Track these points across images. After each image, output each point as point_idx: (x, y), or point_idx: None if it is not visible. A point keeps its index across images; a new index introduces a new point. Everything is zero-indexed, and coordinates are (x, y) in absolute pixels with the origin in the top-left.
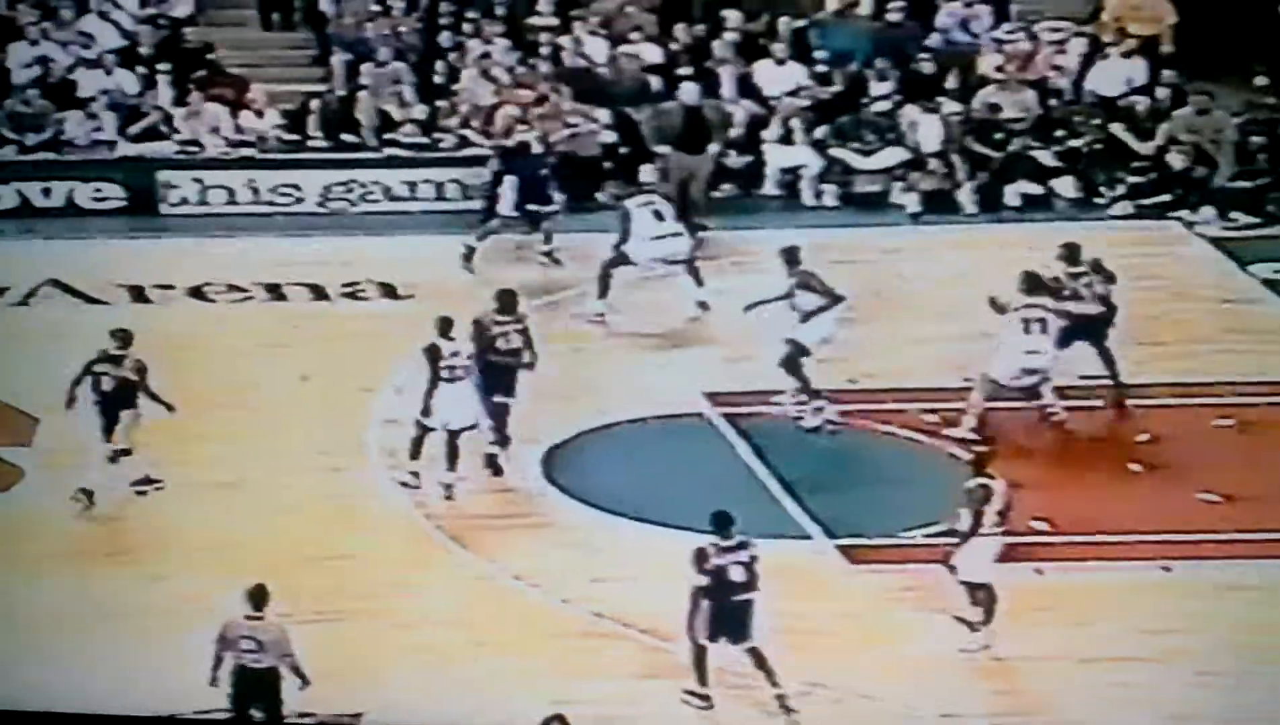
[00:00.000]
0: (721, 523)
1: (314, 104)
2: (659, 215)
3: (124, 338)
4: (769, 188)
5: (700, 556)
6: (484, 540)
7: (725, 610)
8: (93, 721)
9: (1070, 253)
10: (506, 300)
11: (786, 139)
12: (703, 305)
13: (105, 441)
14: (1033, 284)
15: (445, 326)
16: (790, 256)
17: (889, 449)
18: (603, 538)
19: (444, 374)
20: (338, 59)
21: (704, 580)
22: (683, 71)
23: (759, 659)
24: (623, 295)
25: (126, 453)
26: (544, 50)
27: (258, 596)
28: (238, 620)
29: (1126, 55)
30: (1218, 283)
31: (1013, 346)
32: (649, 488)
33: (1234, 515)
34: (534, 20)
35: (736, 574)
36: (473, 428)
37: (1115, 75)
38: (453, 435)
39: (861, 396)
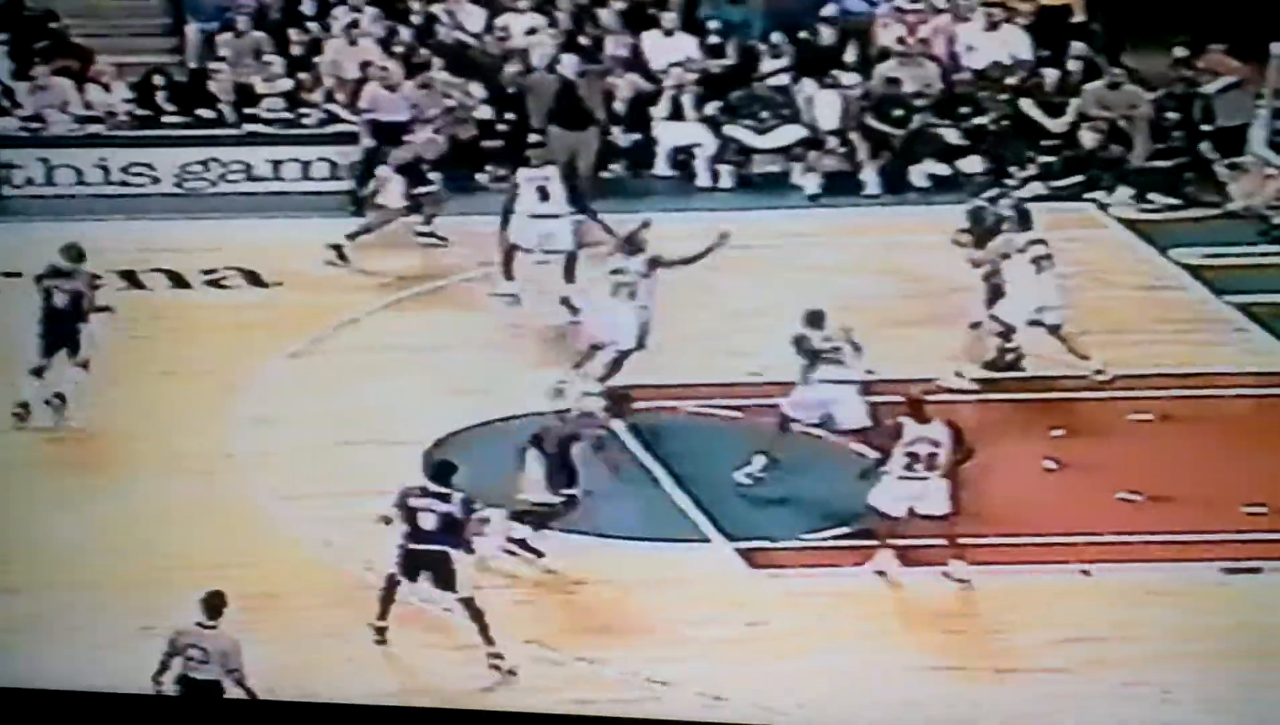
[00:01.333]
0: (438, 472)
1: (157, 78)
2: (544, 193)
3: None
4: (661, 168)
5: (401, 495)
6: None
7: (416, 554)
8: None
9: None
10: None
11: (677, 115)
12: (569, 306)
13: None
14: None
15: None
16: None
17: (792, 446)
18: None
19: None
20: (192, 28)
21: (394, 513)
22: (561, 41)
23: (474, 612)
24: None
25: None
26: (415, 19)
27: (213, 604)
28: (189, 628)
29: (1032, 25)
30: (1135, 269)
31: (1022, 288)
32: None
33: (1156, 515)
34: None
35: (427, 522)
36: None
37: (1021, 47)
38: None
39: (764, 390)
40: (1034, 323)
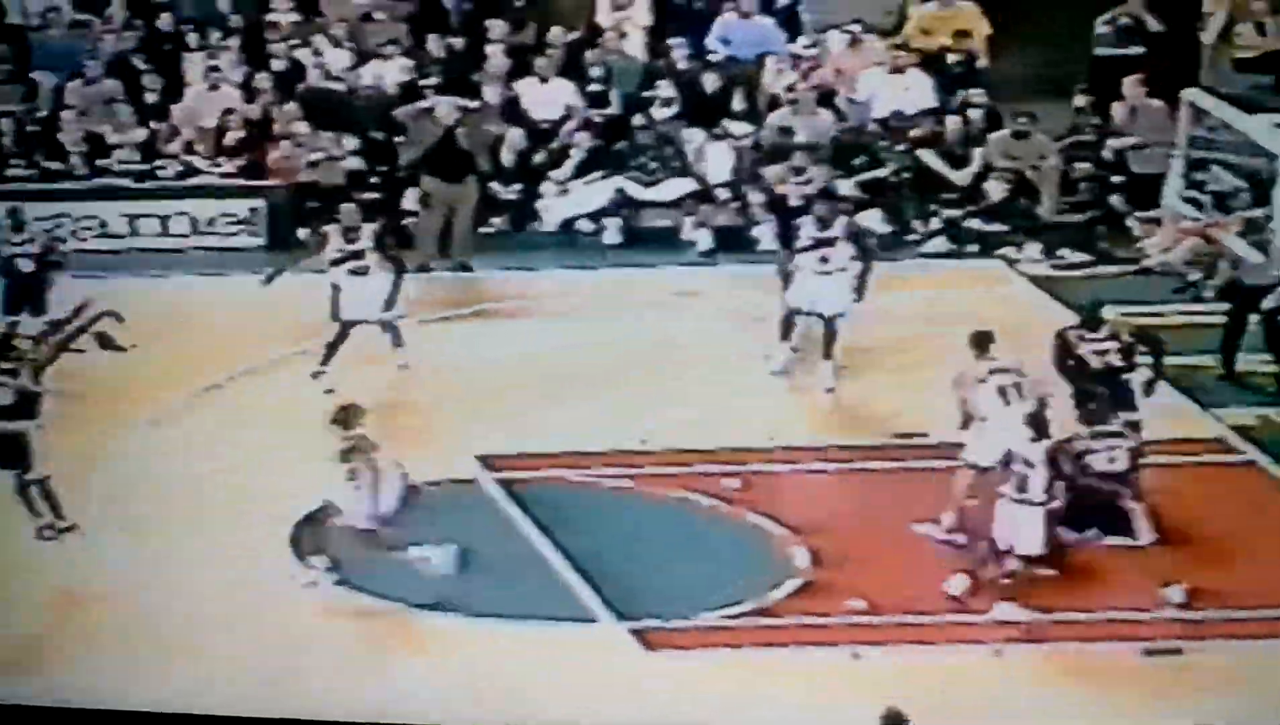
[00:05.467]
0: None
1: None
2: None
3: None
4: (546, 222)
5: None
6: None
7: None
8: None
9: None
10: None
11: (560, 165)
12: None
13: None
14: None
15: None
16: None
17: (686, 518)
18: None
19: None
20: (40, 75)
21: None
22: (438, 87)
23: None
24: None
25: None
26: (279, 64)
27: None
28: None
29: (934, 72)
30: (1046, 328)
31: (992, 423)
32: (415, 573)
33: (1069, 591)
34: (268, 31)
35: None
36: None
37: (925, 93)
38: None
39: (654, 458)
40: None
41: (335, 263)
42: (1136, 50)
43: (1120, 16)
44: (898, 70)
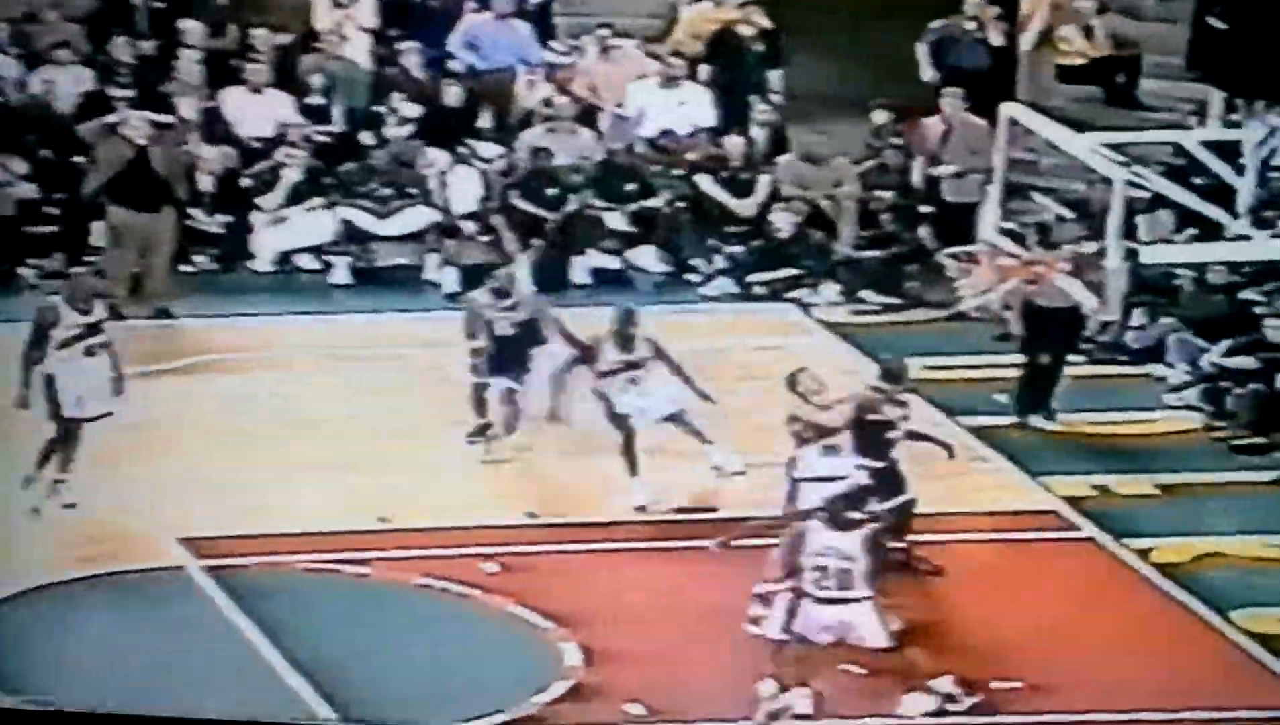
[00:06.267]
0: None
1: None
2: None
3: None
4: (260, 259)
5: None
6: None
7: None
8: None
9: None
10: None
11: (272, 189)
12: None
13: None
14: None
15: None
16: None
17: (433, 609)
18: None
19: None
20: None
21: None
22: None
23: None
24: None
25: None
26: None
27: None
28: None
29: (708, 83)
30: (846, 384)
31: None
32: (108, 671)
33: (878, 687)
34: None
35: None
36: None
37: (699, 110)
38: None
39: (394, 539)
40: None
41: (65, 345)
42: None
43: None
44: (671, 82)
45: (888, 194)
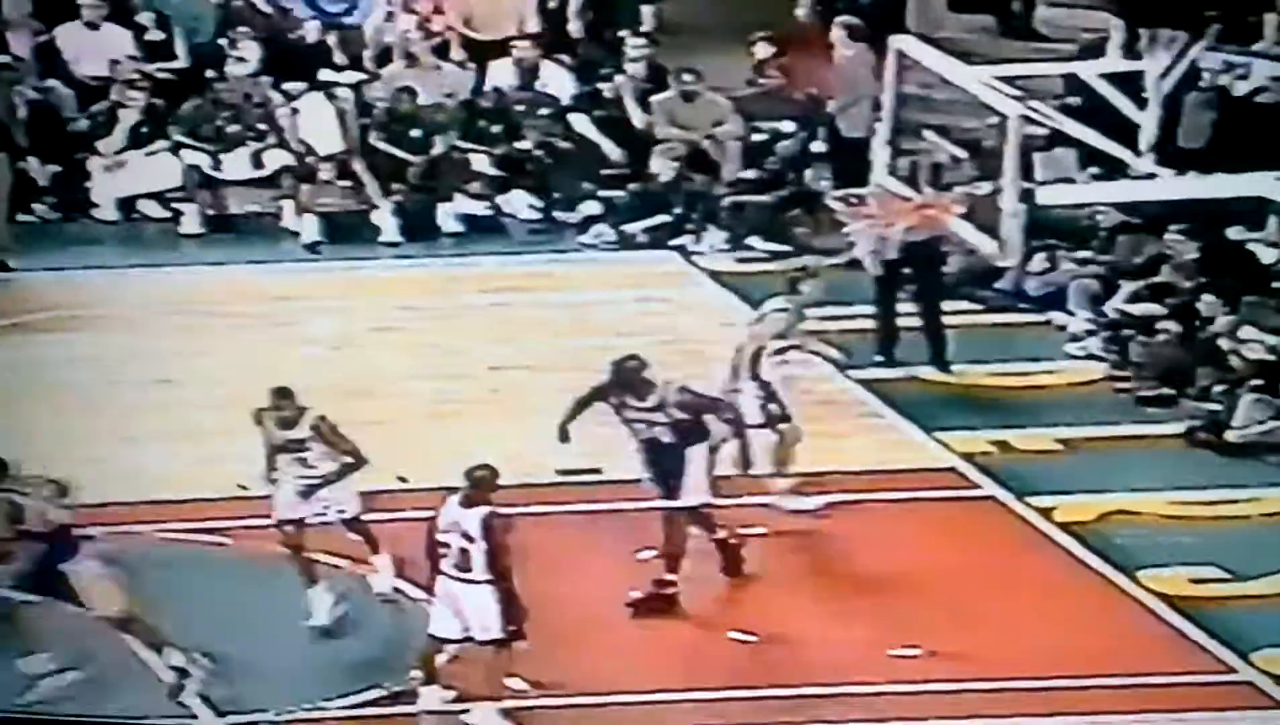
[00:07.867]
0: None
1: None
2: None
3: None
4: (102, 208)
5: None
6: None
7: None
8: None
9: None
10: None
11: (109, 131)
12: None
13: None
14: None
15: None
16: None
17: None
18: None
19: None
20: None
21: None
22: None
23: None
24: None
25: None
26: None
27: None
28: None
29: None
30: (732, 337)
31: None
32: None
33: (775, 661)
34: None
35: None
36: None
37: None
38: None
39: (257, 508)
40: None
41: None
42: None
43: None
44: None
45: (768, 134)
